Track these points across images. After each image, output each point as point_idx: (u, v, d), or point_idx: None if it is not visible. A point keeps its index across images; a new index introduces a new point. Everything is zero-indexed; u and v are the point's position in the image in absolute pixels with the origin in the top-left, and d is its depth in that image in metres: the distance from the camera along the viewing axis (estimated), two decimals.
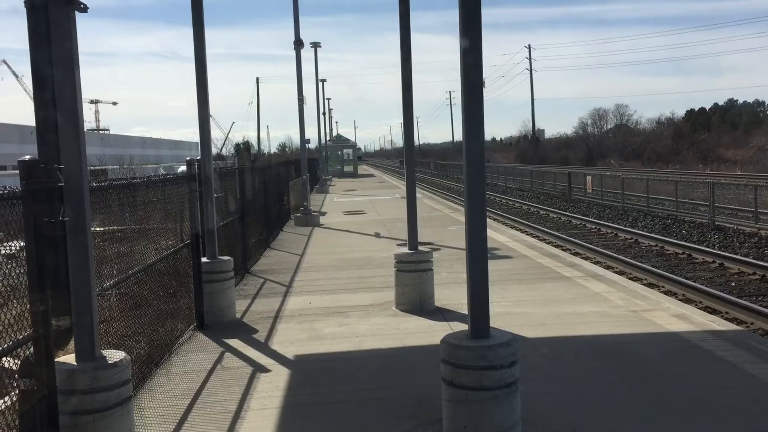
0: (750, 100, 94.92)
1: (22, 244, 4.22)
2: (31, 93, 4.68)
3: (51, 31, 4.51)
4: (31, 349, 4.16)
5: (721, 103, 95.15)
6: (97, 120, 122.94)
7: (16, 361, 4.18)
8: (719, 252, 16.89)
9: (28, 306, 4.19)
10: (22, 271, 4.22)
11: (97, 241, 5.62)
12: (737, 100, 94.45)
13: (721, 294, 12.29)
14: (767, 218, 21.79)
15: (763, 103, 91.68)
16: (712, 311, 11.00)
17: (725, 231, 20.72)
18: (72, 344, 4.63)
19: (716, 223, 21.77)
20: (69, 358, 4.58)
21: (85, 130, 4.75)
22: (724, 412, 5.53)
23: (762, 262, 15.12)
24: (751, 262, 15.12)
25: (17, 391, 4.13)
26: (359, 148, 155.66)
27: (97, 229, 5.70)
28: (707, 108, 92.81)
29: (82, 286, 4.58)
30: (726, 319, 10.32)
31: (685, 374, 6.43)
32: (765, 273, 14.11)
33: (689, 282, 13.49)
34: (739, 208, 24.60)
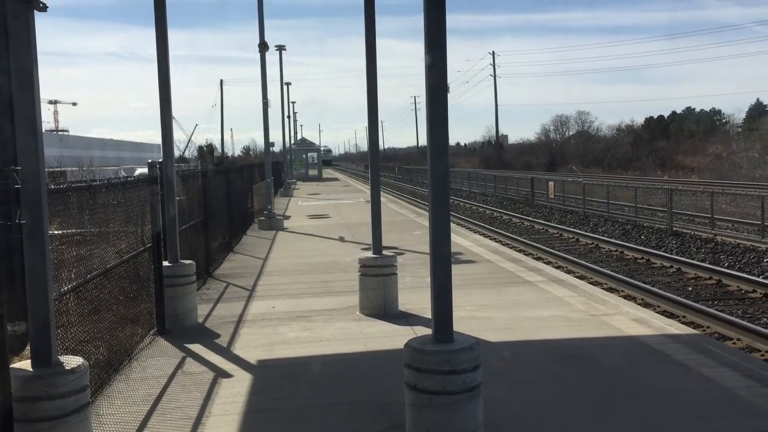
0: (707, 108, 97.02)
1: None
2: None
3: (8, 29, 4.42)
4: None
5: (679, 111, 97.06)
6: (56, 121, 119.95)
7: None
8: (677, 257, 17.24)
9: None
10: None
11: (55, 245, 5.51)
12: (694, 109, 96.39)
13: (679, 298, 12.55)
14: (723, 224, 22.34)
15: (720, 111, 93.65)
16: (670, 315, 11.21)
17: (683, 236, 21.16)
18: (28, 350, 4.53)
19: (674, 228, 22.24)
20: (25, 364, 4.48)
21: (44, 131, 4.65)
22: (683, 415, 5.63)
23: (718, 267, 15.47)
24: (708, 267, 15.47)
25: None
26: (329, 150, 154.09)
27: (55, 232, 5.58)
28: (665, 116, 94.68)
29: (39, 290, 4.48)
30: (683, 322, 10.54)
31: (644, 377, 6.54)
32: (721, 278, 14.44)
33: (648, 286, 13.75)
34: (696, 214, 25.18)
